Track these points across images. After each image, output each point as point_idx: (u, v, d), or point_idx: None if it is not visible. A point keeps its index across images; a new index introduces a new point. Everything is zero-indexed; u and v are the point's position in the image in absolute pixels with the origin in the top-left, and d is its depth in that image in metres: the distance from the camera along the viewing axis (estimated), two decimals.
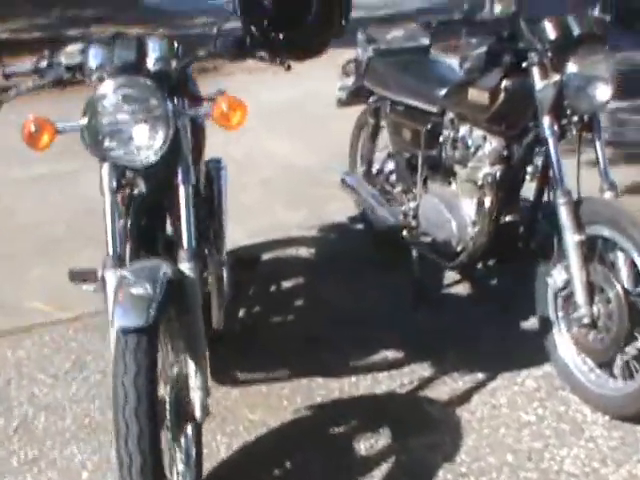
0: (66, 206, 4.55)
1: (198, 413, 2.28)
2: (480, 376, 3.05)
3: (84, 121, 2.22)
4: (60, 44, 2.37)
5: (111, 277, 2.23)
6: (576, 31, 2.78)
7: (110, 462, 2.66)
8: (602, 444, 2.69)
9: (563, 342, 2.97)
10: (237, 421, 2.83)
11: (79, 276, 2.69)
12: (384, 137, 3.79)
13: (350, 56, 3.80)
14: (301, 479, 2.60)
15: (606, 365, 2.85)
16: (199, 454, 2.41)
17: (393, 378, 3.05)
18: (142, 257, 2.39)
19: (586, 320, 2.76)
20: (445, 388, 2.99)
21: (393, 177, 3.74)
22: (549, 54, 2.76)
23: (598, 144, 2.87)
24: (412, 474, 2.60)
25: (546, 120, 2.79)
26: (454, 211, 3.19)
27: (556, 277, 2.87)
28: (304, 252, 4.04)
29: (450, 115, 3.23)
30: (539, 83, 2.78)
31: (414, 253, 3.48)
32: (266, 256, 3.90)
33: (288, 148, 5.31)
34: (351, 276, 3.77)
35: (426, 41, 3.61)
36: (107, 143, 2.19)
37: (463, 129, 3.16)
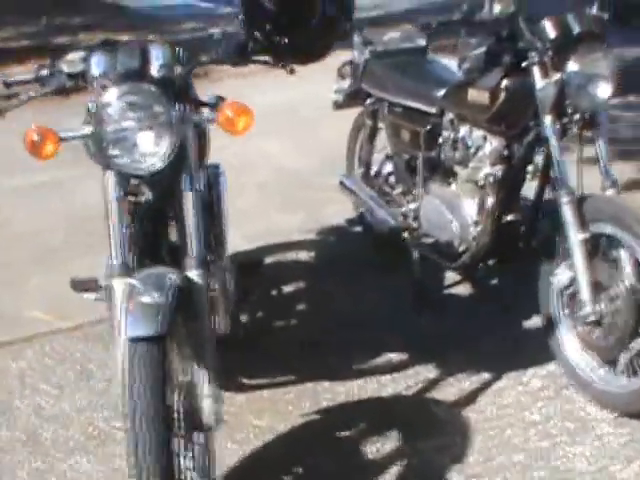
0: (65, 214, 4.53)
1: (210, 421, 2.26)
2: (485, 376, 3.04)
3: (88, 129, 2.20)
4: (61, 52, 2.35)
5: (118, 286, 2.21)
6: (576, 30, 2.78)
7: (119, 472, 2.65)
8: (610, 441, 2.69)
9: (568, 340, 2.97)
10: (244, 428, 2.82)
11: (81, 285, 2.68)
12: (382, 139, 3.79)
13: (345, 59, 3.80)
14: None
15: (611, 362, 2.85)
16: (210, 462, 2.39)
17: (398, 380, 3.05)
18: (146, 265, 2.38)
19: (592, 318, 2.76)
20: (451, 389, 2.99)
21: (392, 179, 3.74)
22: (549, 53, 2.76)
23: (599, 142, 2.88)
24: (422, 476, 2.59)
25: (547, 119, 2.80)
26: (456, 212, 3.19)
27: (560, 275, 2.88)
28: (304, 255, 4.03)
29: (449, 116, 3.22)
30: (540, 82, 2.78)
31: (415, 255, 3.47)
32: (266, 260, 3.89)
33: (284, 151, 5.29)
34: (351, 279, 3.76)
35: (423, 42, 3.61)
36: (112, 151, 2.18)
37: (463, 129, 3.16)
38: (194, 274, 2.25)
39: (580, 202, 2.78)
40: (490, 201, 3.08)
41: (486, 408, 2.88)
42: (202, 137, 2.66)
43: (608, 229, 2.75)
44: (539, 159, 3.01)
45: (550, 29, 2.77)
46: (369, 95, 3.70)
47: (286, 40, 2.21)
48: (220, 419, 2.30)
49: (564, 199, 2.78)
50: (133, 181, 2.32)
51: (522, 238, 3.15)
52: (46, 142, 2.18)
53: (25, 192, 4.81)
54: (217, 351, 2.43)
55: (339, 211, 4.25)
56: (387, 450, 2.69)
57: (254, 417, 2.87)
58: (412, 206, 3.48)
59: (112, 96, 2.16)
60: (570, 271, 2.83)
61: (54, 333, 3.45)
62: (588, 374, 2.90)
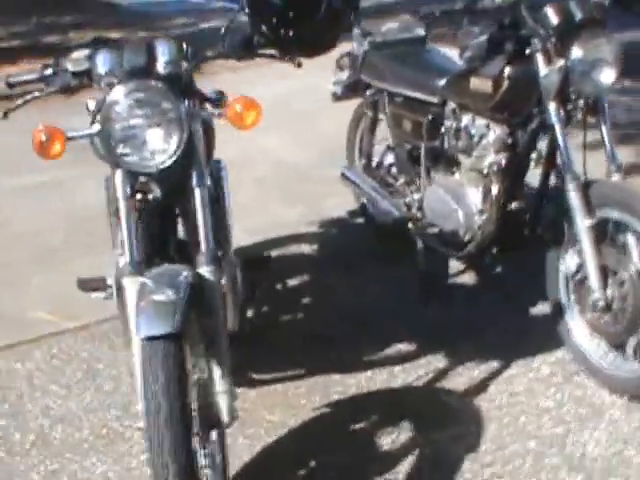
0: (65, 214, 4.51)
1: (225, 417, 2.26)
2: (495, 365, 3.04)
3: (95, 128, 2.19)
4: (65, 51, 2.33)
5: (130, 284, 2.20)
6: (578, 16, 2.77)
7: (131, 471, 2.65)
8: (623, 426, 2.70)
9: (576, 326, 2.97)
10: (257, 423, 2.81)
11: (88, 284, 2.68)
12: (382, 130, 3.78)
13: (343, 50, 3.78)
14: (327, 478, 2.59)
15: (620, 347, 2.86)
16: (224, 459, 2.39)
17: (409, 371, 3.05)
18: (155, 262, 2.36)
19: (601, 303, 2.76)
20: (461, 379, 2.99)
21: (394, 169, 3.73)
22: (552, 40, 2.76)
23: (604, 127, 2.88)
24: (437, 466, 2.59)
25: (552, 106, 2.79)
26: (460, 201, 3.18)
27: (568, 262, 2.88)
28: (306, 249, 4.02)
29: (451, 105, 3.22)
30: (544, 69, 2.78)
31: (419, 245, 3.47)
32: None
33: (283, 144, 5.27)
34: (355, 270, 3.75)
35: (421, 32, 3.60)
36: (121, 149, 2.17)
37: (465, 118, 3.15)
38: (206, 270, 2.24)
39: (586, 187, 2.78)
40: (495, 189, 3.07)
41: (497, 396, 2.88)
42: (210, 132, 2.65)
43: (615, 214, 2.75)
44: (542, 146, 3.01)
45: (552, 16, 2.77)
46: (368, 86, 3.69)
47: (292, 33, 2.20)
48: (235, 415, 2.30)
49: (570, 185, 2.78)
50: (141, 179, 2.30)
51: (527, 225, 3.14)
52: (54, 142, 2.17)
53: (25, 192, 4.78)
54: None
55: (339, 203, 4.24)
56: (401, 441, 2.69)
57: (267, 412, 2.87)
58: (416, 196, 3.48)
59: (119, 94, 2.15)
60: (578, 257, 2.83)
61: (61, 333, 3.42)
62: (597, 360, 2.91)
